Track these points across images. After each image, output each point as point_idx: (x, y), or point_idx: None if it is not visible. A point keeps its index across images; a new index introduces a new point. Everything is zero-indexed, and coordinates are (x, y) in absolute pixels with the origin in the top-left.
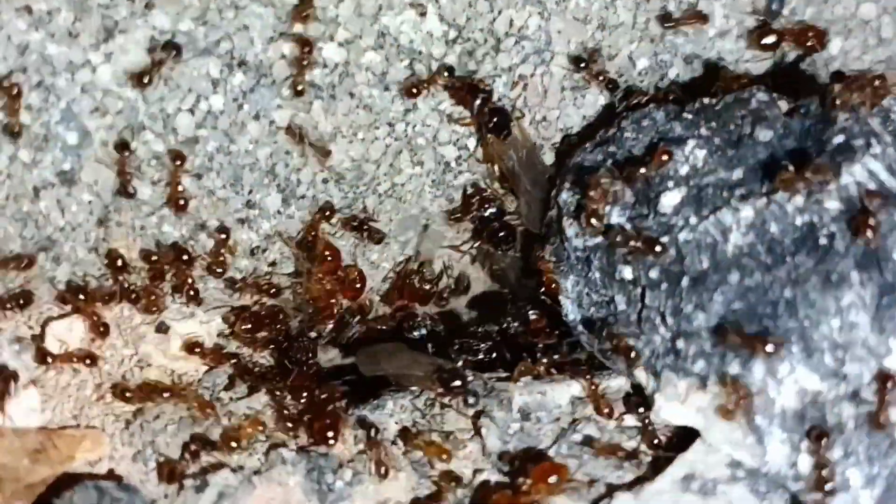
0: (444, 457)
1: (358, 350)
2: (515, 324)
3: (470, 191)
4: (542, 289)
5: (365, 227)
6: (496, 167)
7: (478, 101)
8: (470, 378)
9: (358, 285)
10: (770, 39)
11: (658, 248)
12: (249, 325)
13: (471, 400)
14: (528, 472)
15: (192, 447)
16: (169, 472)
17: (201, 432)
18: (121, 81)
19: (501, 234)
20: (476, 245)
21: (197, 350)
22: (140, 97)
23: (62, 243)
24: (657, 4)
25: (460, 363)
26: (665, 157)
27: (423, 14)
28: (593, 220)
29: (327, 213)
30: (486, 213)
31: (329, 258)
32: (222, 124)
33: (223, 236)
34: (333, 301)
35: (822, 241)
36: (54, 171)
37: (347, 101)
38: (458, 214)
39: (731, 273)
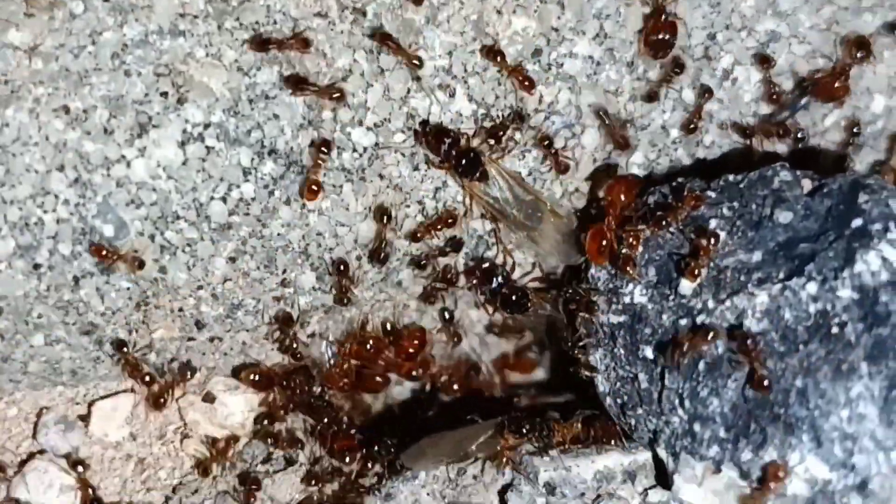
0: None
1: (401, 454)
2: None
3: (471, 265)
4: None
5: None
6: (479, 207)
7: (444, 147)
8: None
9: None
10: None
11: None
12: (256, 378)
13: (545, 434)
14: None
15: None
16: None
17: None
18: (155, 174)
19: (514, 298)
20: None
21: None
22: (174, 188)
23: (103, 327)
24: (691, 74)
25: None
26: (695, 202)
27: (452, 95)
28: (628, 268)
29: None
30: (494, 285)
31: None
32: (254, 210)
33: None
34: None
35: (835, 329)
36: (93, 262)
37: (377, 182)
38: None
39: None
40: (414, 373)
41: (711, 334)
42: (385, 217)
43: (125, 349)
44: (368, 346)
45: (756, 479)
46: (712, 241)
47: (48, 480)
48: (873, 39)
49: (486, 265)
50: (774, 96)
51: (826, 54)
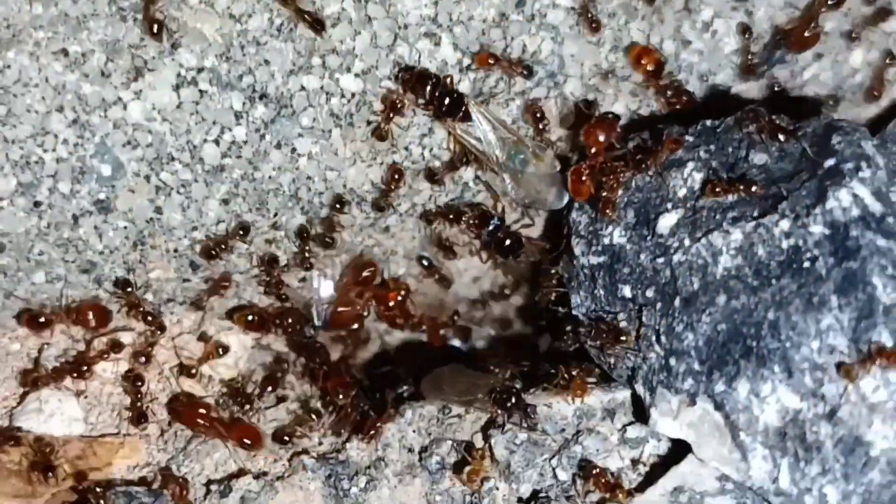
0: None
1: (422, 379)
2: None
3: (468, 211)
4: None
5: None
6: (459, 148)
7: (428, 88)
8: (525, 394)
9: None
10: None
11: (623, 338)
12: (250, 319)
13: (530, 415)
14: None
15: None
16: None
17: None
18: (150, 116)
19: (507, 243)
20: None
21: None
22: (168, 130)
23: (102, 265)
24: (671, 25)
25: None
26: (673, 146)
27: (437, 43)
28: (608, 210)
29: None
30: (490, 228)
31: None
32: (246, 153)
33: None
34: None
35: (806, 264)
36: (91, 201)
37: (365, 128)
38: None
39: (719, 295)
40: (398, 320)
41: (624, 337)
42: (339, 204)
43: (129, 289)
44: (366, 273)
45: (858, 355)
46: None
47: (49, 410)
48: None
49: (482, 209)
50: (750, 67)
51: (800, 7)
